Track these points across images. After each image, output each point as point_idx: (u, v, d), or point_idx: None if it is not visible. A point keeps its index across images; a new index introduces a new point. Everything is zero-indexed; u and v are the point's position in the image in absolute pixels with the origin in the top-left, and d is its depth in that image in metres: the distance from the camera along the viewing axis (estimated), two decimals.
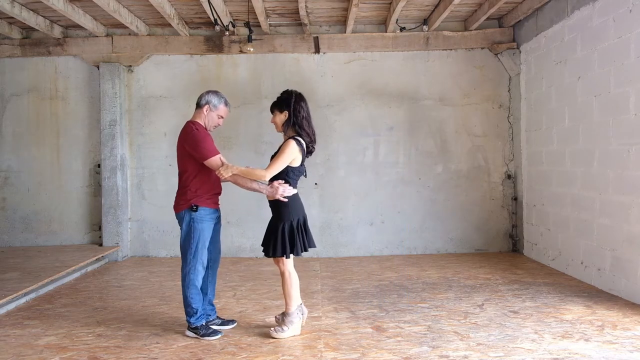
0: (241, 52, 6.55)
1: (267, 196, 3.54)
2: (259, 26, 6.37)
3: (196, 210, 3.54)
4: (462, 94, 6.64)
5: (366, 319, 3.92)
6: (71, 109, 6.71)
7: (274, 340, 3.51)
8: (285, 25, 6.64)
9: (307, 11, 6.02)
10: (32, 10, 5.78)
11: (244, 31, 6.45)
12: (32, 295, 4.69)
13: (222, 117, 3.71)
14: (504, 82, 6.62)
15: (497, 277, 5.20)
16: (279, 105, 3.58)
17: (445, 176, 6.65)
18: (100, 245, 6.49)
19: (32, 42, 6.56)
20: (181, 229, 3.62)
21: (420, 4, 5.88)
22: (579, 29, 5.00)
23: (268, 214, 3.66)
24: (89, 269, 5.86)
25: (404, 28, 6.40)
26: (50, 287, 5.01)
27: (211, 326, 3.69)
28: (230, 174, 3.45)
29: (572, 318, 3.86)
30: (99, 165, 6.61)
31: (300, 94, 3.60)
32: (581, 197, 5.00)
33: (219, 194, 3.75)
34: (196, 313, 3.58)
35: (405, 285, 4.94)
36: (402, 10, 5.89)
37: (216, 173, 3.50)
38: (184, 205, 3.59)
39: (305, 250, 3.55)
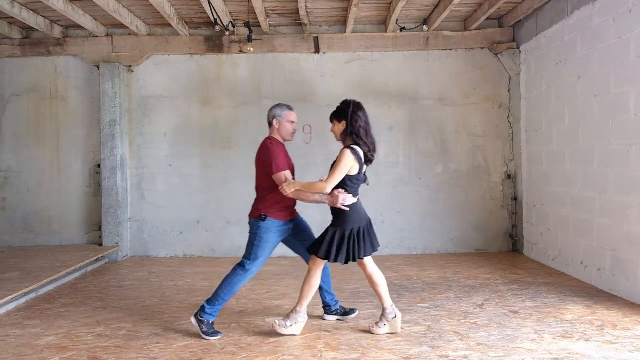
0: (241, 52, 6.55)
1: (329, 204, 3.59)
2: (259, 26, 6.37)
3: (264, 220, 3.65)
4: (462, 94, 6.64)
5: (366, 319, 3.92)
6: (71, 109, 6.71)
7: (274, 340, 3.51)
8: (285, 25, 6.64)
9: (307, 11, 6.02)
10: (32, 10, 5.78)
11: (244, 31, 6.45)
12: (32, 295, 4.69)
13: (293, 122, 3.83)
14: (504, 82, 6.62)
15: (497, 277, 5.20)
16: (337, 115, 3.63)
17: (445, 176, 6.65)
18: (100, 245, 6.49)
19: (32, 42, 6.56)
20: (249, 234, 3.75)
21: (420, 4, 5.88)
22: (579, 29, 5.00)
23: None
24: (89, 269, 5.86)
25: (404, 28, 6.40)
26: (50, 287, 5.02)
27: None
28: (292, 190, 3.52)
29: (572, 318, 3.86)
30: (99, 165, 6.61)
31: (358, 103, 3.61)
32: (581, 197, 5.00)
33: (293, 206, 3.84)
34: (216, 306, 3.66)
35: (405, 285, 4.94)
36: (402, 10, 5.90)
37: (280, 189, 3.56)
38: (256, 213, 3.73)
39: (354, 260, 3.53)
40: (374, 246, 3.63)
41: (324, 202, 3.56)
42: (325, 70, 6.65)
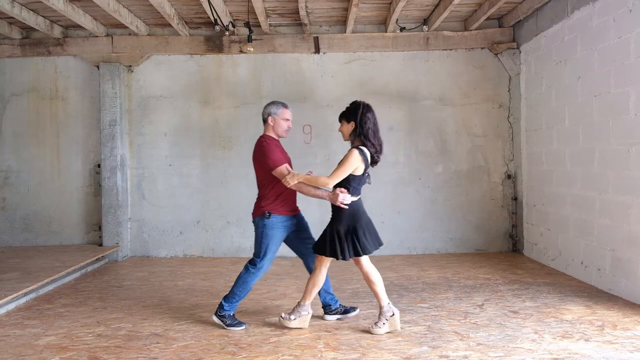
0: (241, 52, 6.55)
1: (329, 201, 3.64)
2: (259, 26, 6.37)
3: (269, 217, 3.73)
4: (462, 94, 6.63)
5: (366, 319, 3.92)
6: (71, 109, 6.71)
7: (274, 340, 3.52)
8: (285, 25, 6.64)
9: (307, 11, 6.02)
10: (32, 10, 5.78)
11: (244, 31, 6.45)
12: (32, 295, 4.69)
13: (288, 120, 3.87)
14: (504, 82, 6.62)
15: (497, 277, 5.20)
16: (346, 115, 3.67)
17: (445, 176, 6.65)
18: (100, 245, 6.49)
19: (32, 42, 6.56)
20: (255, 233, 3.83)
21: (420, 4, 5.88)
22: (579, 29, 5.00)
23: None
24: (89, 269, 5.86)
25: (404, 28, 6.40)
26: (50, 287, 5.01)
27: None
28: (295, 182, 3.58)
29: (572, 318, 3.86)
30: (99, 165, 6.61)
31: (368, 105, 3.64)
32: (581, 197, 5.00)
33: (294, 201, 3.90)
34: (233, 303, 3.79)
35: (405, 285, 4.94)
36: (402, 10, 5.89)
37: (282, 181, 3.61)
38: (259, 212, 3.80)
39: (350, 256, 3.57)
40: (374, 244, 3.65)
41: (324, 198, 3.61)
42: (325, 70, 6.65)
